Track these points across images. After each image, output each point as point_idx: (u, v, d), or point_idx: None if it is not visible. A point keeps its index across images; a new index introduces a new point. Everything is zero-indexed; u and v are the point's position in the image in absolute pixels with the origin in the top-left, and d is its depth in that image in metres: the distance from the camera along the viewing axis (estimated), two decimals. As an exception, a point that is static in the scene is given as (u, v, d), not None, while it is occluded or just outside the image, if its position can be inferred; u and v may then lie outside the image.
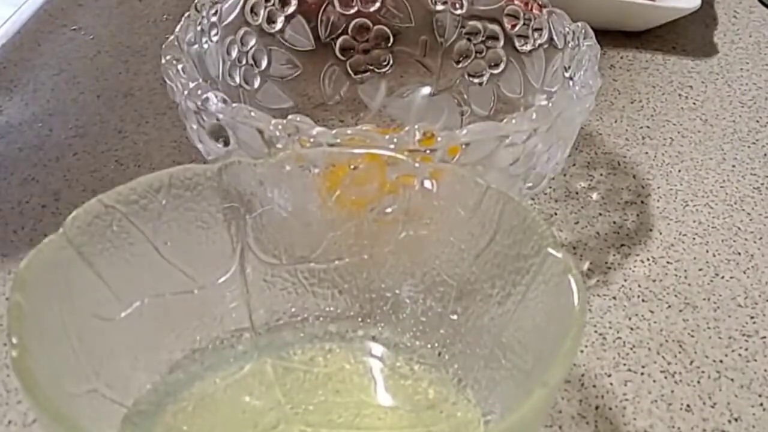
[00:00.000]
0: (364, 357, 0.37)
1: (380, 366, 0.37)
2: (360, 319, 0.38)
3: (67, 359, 0.30)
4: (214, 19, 0.48)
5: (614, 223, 0.50)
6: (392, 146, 0.36)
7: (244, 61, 0.51)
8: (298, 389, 0.35)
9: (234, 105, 0.38)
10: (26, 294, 0.28)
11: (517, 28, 0.50)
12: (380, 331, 0.38)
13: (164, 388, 0.35)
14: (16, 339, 0.27)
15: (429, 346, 0.37)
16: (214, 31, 0.48)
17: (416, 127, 0.37)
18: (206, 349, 0.36)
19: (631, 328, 0.43)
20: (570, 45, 0.47)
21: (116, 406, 0.33)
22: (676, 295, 0.45)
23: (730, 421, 0.39)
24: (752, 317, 0.44)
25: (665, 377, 0.40)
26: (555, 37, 0.49)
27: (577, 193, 0.52)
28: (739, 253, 0.48)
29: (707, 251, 0.48)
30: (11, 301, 0.28)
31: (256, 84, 0.52)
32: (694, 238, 0.49)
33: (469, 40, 0.52)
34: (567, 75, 0.47)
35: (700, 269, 0.47)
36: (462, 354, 0.36)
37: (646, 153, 0.57)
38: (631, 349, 0.42)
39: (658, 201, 0.52)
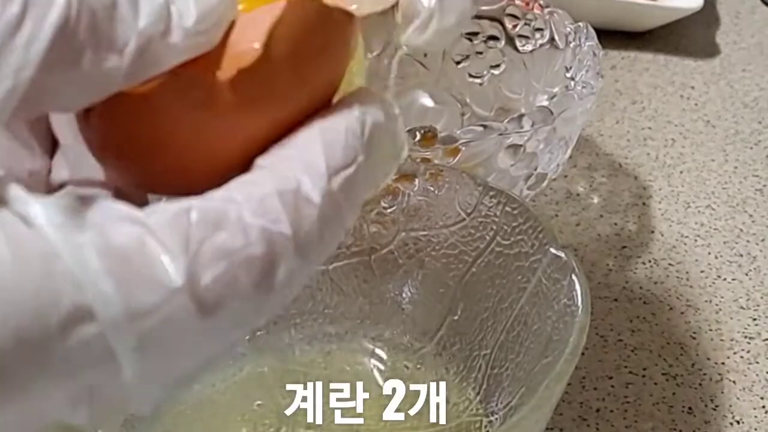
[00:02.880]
0: (363, 358, 0.37)
1: (381, 367, 0.36)
2: (359, 320, 0.38)
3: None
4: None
5: (615, 224, 0.50)
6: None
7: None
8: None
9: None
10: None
11: (518, 28, 0.50)
12: (380, 332, 0.37)
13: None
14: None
15: (430, 346, 0.37)
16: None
17: (417, 127, 0.36)
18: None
19: (633, 331, 0.43)
20: (571, 45, 0.47)
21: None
22: (677, 297, 0.45)
23: (731, 424, 0.38)
24: (754, 319, 0.44)
25: (667, 380, 0.40)
26: (556, 37, 0.48)
27: (578, 194, 0.52)
28: (741, 255, 0.48)
29: (709, 253, 0.48)
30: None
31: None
32: (695, 240, 0.49)
33: (469, 40, 0.52)
34: (568, 75, 0.46)
35: (702, 271, 0.47)
36: (463, 354, 0.36)
37: (648, 154, 0.56)
38: (633, 351, 0.42)
39: (659, 203, 0.52)
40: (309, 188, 0.17)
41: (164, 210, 0.16)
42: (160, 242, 0.15)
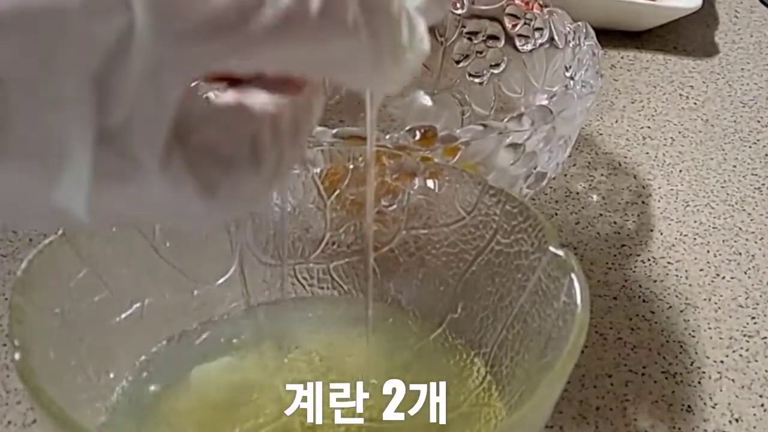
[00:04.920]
0: (365, 351, 0.37)
1: (381, 361, 0.36)
2: (360, 317, 0.38)
3: (69, 360, 0.30)
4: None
5: (615, 223, 0.50)
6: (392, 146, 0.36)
7: (244, 61, 0.50)
8: (300, 381, 0.35)
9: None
10: (27, 296, 0.28)
11: (517, 27, 0.50)
12: (380, 329, 0.38)
13: (165, 382, 0.34)
14: (19, 341, 0.26)
15: (430, 344, 0.37)
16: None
17: (417, 126, 0.37)
18: (206, 342, 0.36)
19: (632, 329, 0.43)
20: (571, 44, 0.47)
21: (117, 406, 0.33)
22: (676, 296, 0.45)
23: (731, 422, 0.38)
24: (753, 318, 0.44)
25: (666, 378, 0.40)
26: (556, 37, 0.49)
27: (577, 193, 0.52)
28: (740, 254, 0.48)
29: (708, 251, 0.48)
30: (13, 304, 0.28)
31: (257, 84, 0.51)
32: (695, 239, 0.49)
33: (469, 39, 0.52)
34: (568, 74, 0.47)
35: (701, 270, 0.47)
36: (462, 354, 0.36)
37: (647, 153, 0.56)
38: (632, 349, 0.42)
39: (658, 201, 0.52)
40: None
41: None
42: None
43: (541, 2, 0.49)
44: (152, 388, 0.34)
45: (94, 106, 0.16)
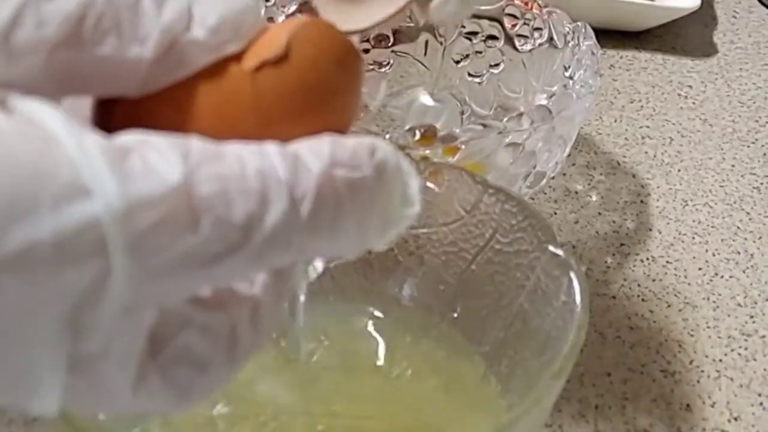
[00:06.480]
0: (364, 351, 0.37)
1: (380, 360, 0.37)
2: (360, 316, 0.38)
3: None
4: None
5: (614, 222, 0.50)
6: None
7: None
8: (299, 382, 0.35)
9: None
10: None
11: (517, 27, 0.50)
12: (380, 329, 0.38)
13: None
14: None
15: (429, 344, 0.37)
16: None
17: (417, 126, 0.37)
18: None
19: (631, 328, 0.43)
20: (570, 44, 0.47)
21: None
22: (675, 295, 0.45)
23: (729, 421, 0.39)
24: (752, 316, 0.44)
25: (665, 376, 0.41)
26: (555, 37, 0.49)
27: (576, 193, 0.52)
28: (739, 253, 0.48)
29: (707, 251, 0.48)
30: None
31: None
32: (693, 238, 0.49)
33: (469, 39, 0.53)
34: (567, 74, 0.47)
35: (700, 269, 0.47)
36: (462, 352, 0.36)
37: (646, 153, 0.57)
38: (631, 348, 0.42)
39: (657, 201, 0.52)
40: (309, 159, 0.17)
41: (167, 136, 0.16)
42: (160, 151, 0.15)
43: (540, 2, 0.50)
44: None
45: (67, 341, 0.15)
